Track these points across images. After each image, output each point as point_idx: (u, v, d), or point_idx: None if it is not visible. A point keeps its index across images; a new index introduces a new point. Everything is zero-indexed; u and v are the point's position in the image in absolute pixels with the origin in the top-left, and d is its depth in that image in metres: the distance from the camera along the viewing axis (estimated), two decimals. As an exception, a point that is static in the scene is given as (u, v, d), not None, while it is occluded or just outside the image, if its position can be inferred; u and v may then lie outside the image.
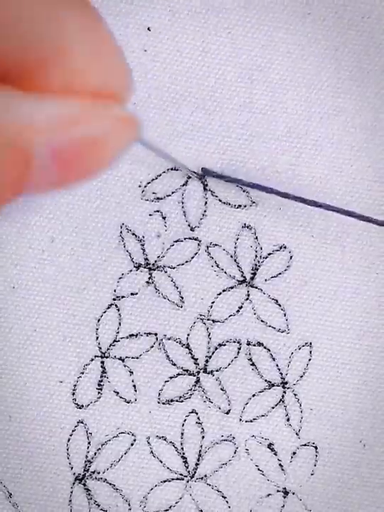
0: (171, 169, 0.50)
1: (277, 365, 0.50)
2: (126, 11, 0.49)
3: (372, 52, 0.50)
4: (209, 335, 0.50)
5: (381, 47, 0.50)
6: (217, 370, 0.50)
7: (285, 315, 0.50)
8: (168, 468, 0.50)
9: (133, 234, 0.50)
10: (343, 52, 0.50)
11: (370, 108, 0.50)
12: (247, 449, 0.50)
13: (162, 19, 0.49)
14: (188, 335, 0.50)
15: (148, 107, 0.49)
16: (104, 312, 0.49)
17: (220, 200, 0.50)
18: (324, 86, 0.50)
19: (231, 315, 0.50)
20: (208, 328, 0.50)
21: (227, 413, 0.50)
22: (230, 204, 0.50)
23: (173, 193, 0.50)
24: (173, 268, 0.50)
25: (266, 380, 0.50)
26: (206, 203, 0.50)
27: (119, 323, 0.50)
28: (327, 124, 0.50)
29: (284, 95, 0.50)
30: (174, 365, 0.50)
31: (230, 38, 0.49)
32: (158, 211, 0.50)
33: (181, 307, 0.50)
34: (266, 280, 0.50)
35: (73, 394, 0.49)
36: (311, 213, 0.50)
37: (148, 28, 0.49)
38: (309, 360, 0.50)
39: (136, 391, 0.50)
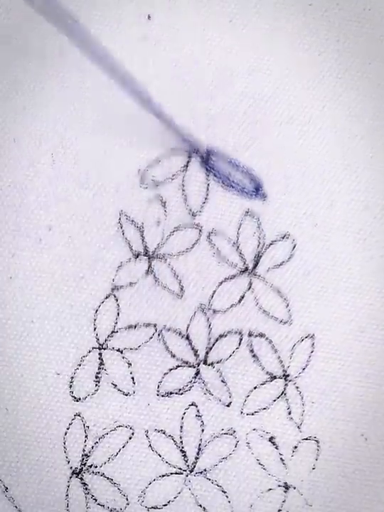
0: (171, 152, 0.49)
1: (279, 357, 0.49)
2: (126, -2, 0.49)
3: (374, 44, 0.50)
4: (209, 325, 0.49)
5: (382, 38, 0.50)
6: (217, 362, 0.49)
7: (287, 306, 0.49)
8: (166, 462, 0.49)
9: (132, 221, 0.49)
10: (344, 43, 0.50)
11: (371, 98, 0.50)
12: (247, 443, 0.49)
13: (162, 7, 0.49)
14: (188, 326, 0.49)
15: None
16: (102, 302, 0.49)
17: (222, 185, 0.49)
18: (326, 75, 0.50)
19: (232, 305, 0.49)
20: (208, 319, 0.49)
21: (227, 406, 0.49)
22: (233, 188, 0.49)
23: (173, 177, 0.49)
24: (173, 256, 0.49)
25: (267, 372, 0.49)
26: (208, 187, 0.49)
27: (118, 314, 0.49)
28: (329, 113, 0.50)
29: (285, 83, 0.49)
30: (174, 356, 0.49)
31: (231, 27, 0.49)
32: (157, 197, 0.49)
33: (181, 297, 0.49)
34: (268, 269, 0.49)
35: (70, 386, 0.49)
36: (316, 201, 0.49)
37: (149, 16, 0.49)
38: (311, 352, 0.49)
39: (134, 383, 0.49)
